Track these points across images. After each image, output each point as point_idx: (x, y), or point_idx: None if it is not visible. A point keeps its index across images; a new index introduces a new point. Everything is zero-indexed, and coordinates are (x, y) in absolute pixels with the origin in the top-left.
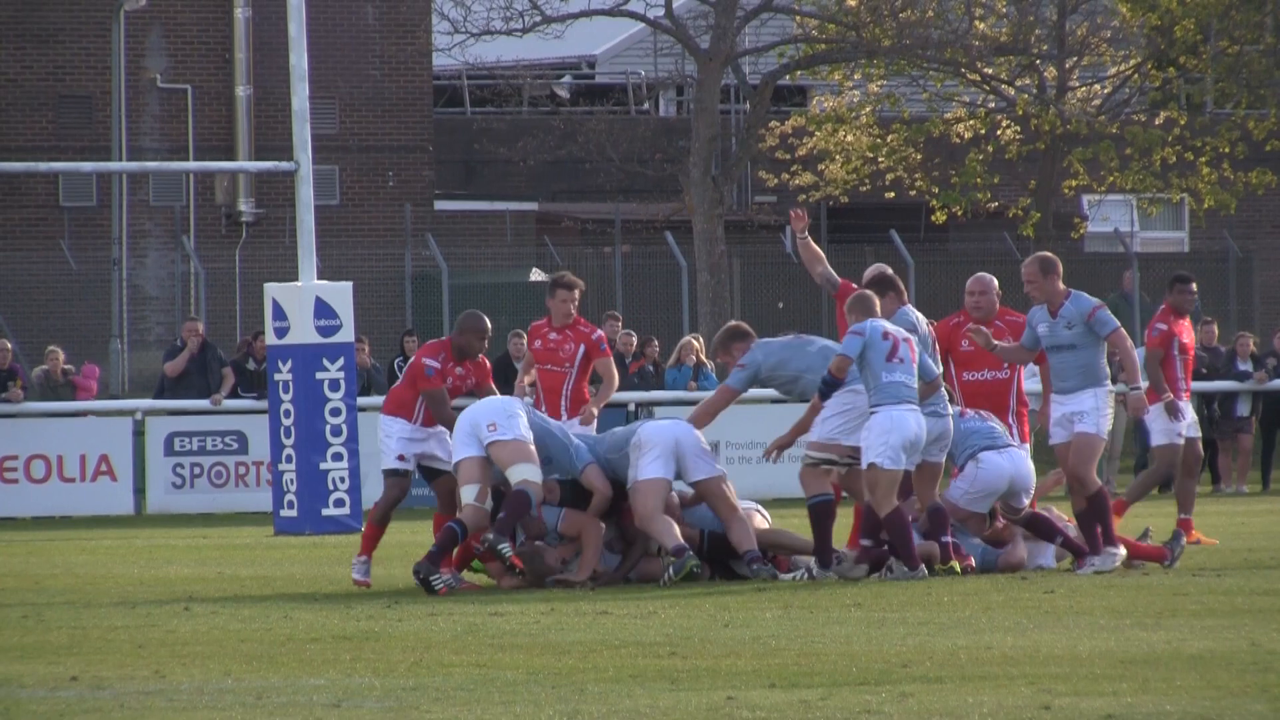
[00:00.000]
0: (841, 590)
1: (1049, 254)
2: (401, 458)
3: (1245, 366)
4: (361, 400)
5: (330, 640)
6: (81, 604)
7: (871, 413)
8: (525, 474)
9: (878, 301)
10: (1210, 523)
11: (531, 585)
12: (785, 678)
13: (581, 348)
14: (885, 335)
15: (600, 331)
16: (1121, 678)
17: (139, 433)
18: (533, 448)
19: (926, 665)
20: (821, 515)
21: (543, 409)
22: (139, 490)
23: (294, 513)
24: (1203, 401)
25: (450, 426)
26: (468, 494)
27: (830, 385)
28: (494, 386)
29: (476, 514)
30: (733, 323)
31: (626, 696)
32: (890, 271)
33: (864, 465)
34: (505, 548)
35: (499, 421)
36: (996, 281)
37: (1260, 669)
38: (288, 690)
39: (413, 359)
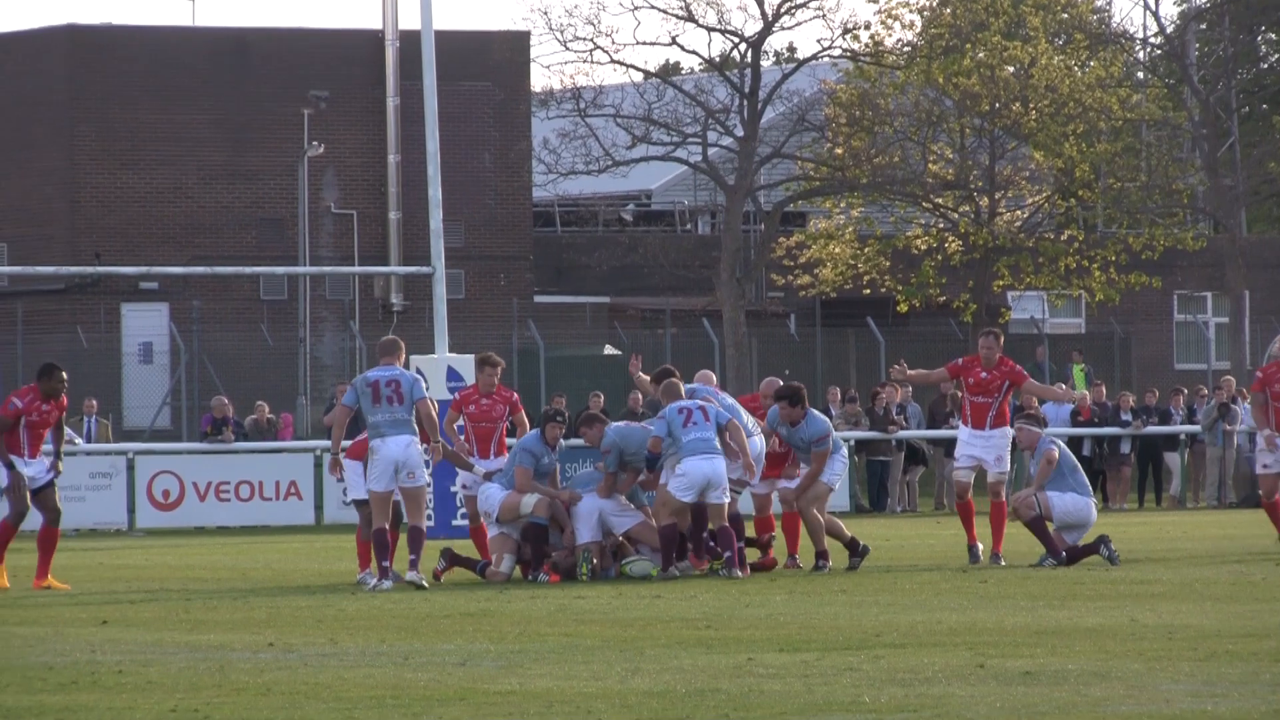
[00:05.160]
0: (831, 580)
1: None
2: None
3: (1126, 417)
4: None
5: (458, 616)
6: (276, 590)
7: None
8: (529, 505)
9: (681, 386)
10: (1099, 532)
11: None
12: (791, 644)
13: (506, 408)
14: (680, 410)
15: (515, 394)
16: (1036, 644)
17: (318, 464)
18: (515, 494)
19: (893, 635)
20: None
21: (475, 457)
22: (318, 507)
23: (431, 523)
24: (1096, 442)
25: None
26: (506, 564)
27: (650, 460)
28: (524, 416)
29: (499, 576)
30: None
31: (674, 658)
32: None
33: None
34: (543, 576)
35: (489, 510)
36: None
37: (1137, 638)
38: (426, 653)
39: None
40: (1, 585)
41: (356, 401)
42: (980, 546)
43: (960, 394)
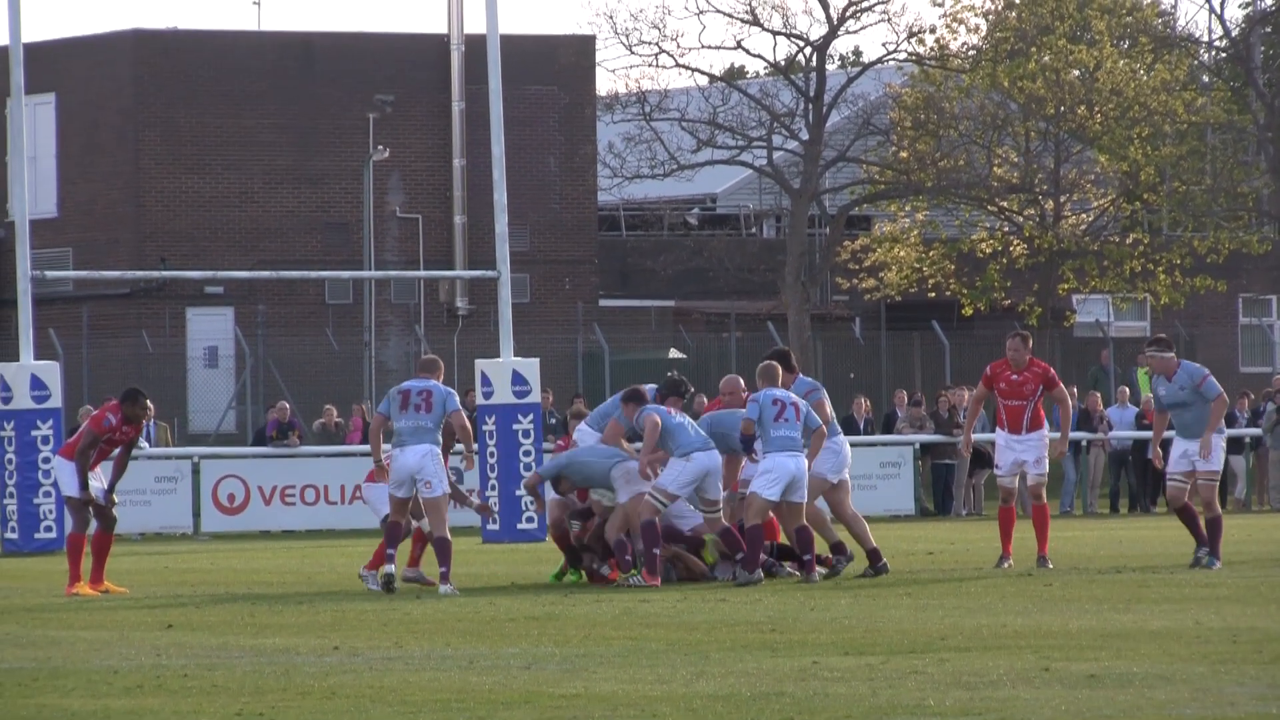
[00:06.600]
0: (895, 584)
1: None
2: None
3: None
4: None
5: (522, 620)
6: (341, 594)
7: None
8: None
9: (778, 370)
10: (1171, 535)
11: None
12: (855, 647)
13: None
14: (775, 401)
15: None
16: (1101, 647)
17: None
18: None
19: (958, 639)
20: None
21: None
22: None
23: (497, 527)
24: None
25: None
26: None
27: (745, 441)
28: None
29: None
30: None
31: (739, 661)
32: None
33: (748, 492)
34: (605, 568)
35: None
36: (742, 380)
37: (1201, 641)
38: (491, 656)
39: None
40: (121, 591)
41: (389, 410)
42: (1011, 562)
43: (996, 400)
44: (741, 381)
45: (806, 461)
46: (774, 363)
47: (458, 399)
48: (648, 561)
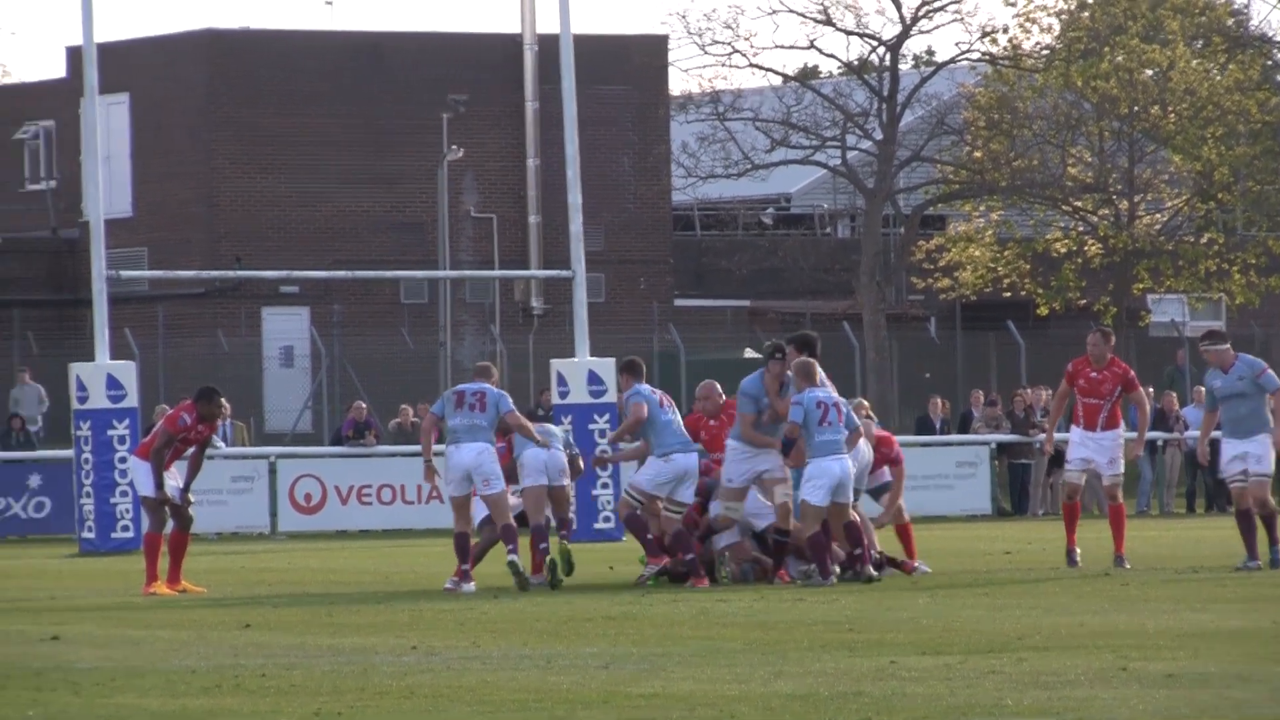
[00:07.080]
0: (973, 584)
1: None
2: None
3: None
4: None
5: (600, 619)
6: (418, 593)
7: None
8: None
9: (816, 368)
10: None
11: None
12: (933, 647)
13: None
14: (819, 404)
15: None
16: (1179, 647)
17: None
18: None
19: (1036, 638)
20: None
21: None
22: None
23: (574, 526)
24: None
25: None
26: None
27: (787, 444)
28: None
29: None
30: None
31: (816, 661)
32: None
33: (799, 500)
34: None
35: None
36: (719, 385)
37: (1279, 640)
38: (569, 656)
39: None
40: (198, 591)
41: (443, 410)
42: (1079, 551)
43: (1074, 396)
44: (718, 386)
45: (850, 463)
46: (812, 361)
47: (510, 400)
48: (648, 549)
